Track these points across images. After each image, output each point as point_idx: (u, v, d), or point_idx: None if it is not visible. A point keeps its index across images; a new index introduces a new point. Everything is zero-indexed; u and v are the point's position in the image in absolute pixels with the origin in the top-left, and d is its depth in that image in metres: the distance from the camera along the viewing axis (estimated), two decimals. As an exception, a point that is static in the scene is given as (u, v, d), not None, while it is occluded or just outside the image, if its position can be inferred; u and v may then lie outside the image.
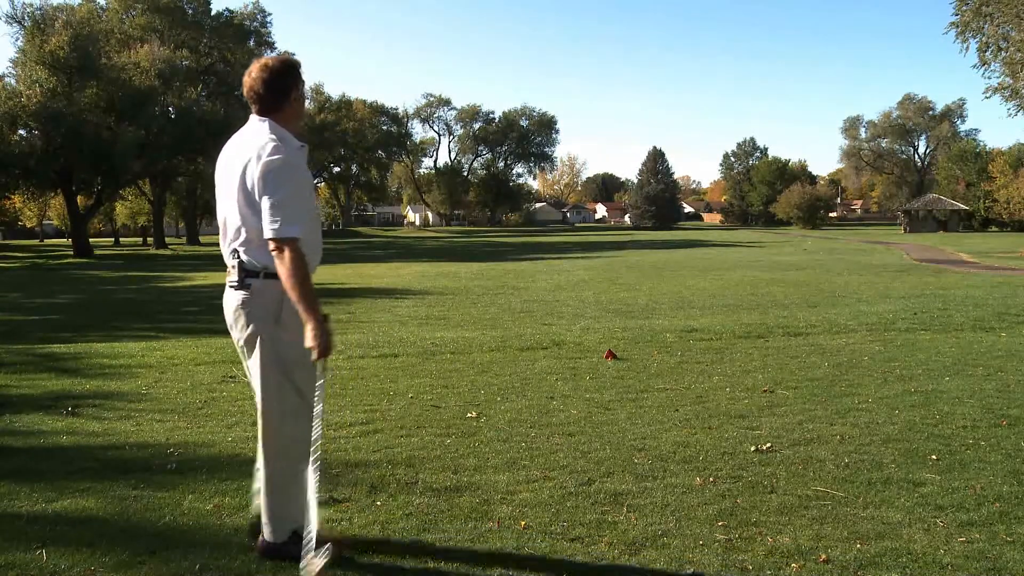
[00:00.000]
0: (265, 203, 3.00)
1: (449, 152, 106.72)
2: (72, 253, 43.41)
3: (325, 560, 2.95)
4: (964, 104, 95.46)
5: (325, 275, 22.67)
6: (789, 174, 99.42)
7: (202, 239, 58.80)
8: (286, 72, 3.21)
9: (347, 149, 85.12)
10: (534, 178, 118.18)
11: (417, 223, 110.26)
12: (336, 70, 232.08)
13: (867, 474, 4.24)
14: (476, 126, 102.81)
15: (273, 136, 3.09)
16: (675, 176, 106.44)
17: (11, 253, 47.50)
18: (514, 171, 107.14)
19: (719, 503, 3.84)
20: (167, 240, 58.04)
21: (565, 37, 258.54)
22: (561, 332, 9.97)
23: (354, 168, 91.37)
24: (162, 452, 4.72)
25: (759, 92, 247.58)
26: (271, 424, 3.19)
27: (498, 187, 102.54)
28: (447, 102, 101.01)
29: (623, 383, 6.69)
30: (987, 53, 31.42)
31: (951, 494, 3.93)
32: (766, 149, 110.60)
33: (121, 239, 69.15)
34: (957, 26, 31.98)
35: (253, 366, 3.20)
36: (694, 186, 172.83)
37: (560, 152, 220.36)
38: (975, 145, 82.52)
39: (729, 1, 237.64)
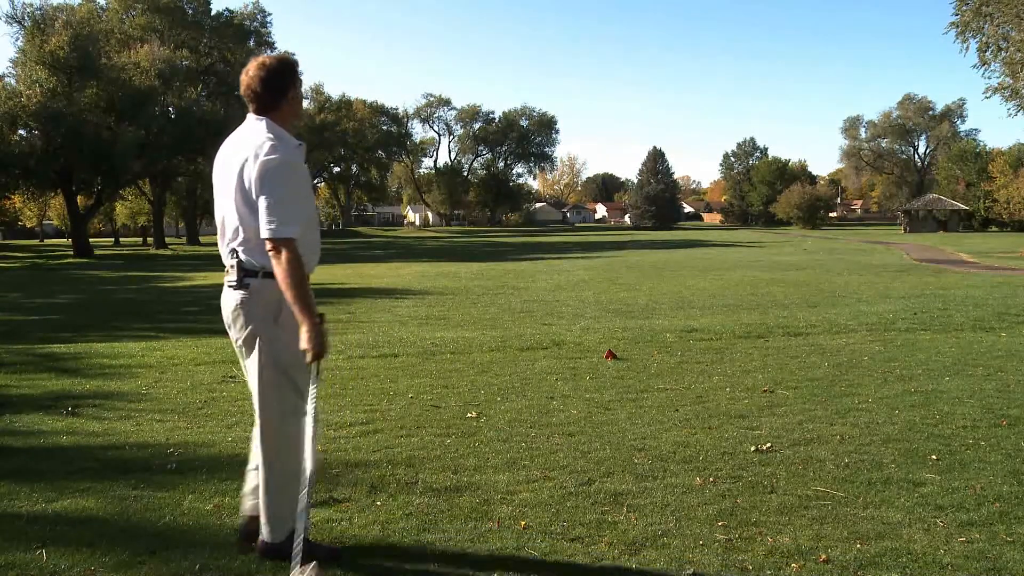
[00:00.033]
0: (262, 203, 2.99)
1: (449, 152, 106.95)
2: (72, 253, 43.41)
3: None
4: (964, 104, 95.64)
5: (325, 275, 22.68)
6: (789, 174, 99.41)
7: (202, 239, 58.78)
8: (283, 71, 3.20)
9: (347, 149, 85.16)
10: (534, 178, 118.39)
11: (417, 223, 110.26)
12: (336, 70, 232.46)
13: (867, 474, 4.24)
14: (476, 126, 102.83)
15: (271, 135, 3.08)
16: (675, 176, 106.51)
17: (11, 253, 47.50)
18: (514, 171, 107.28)
19: (719, 503, 3.84)
20: (167, 240, 58.05)
21: (565, 37, 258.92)
22: (561, 332, 9.97)
23: (354, 168, 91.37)
24: (162, 452, 4.72)
25: (759, 92, 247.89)
26: (271, 424, 3.19)
27: (498, 187, 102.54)
28: (447, 102, 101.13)
29: (623, 383, 6.69)
30: (987, 53, 31.42)
31: (951, 494, 3.93)
32: (766, 149, 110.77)
33: (121, 239, 69.16)
34: (957, 26, 31.99)
35: (252, 366, 3.19)
36: (694, 186, 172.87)
37: (560, 152, 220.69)
38: (975, 145, 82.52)
39: (729, 1, 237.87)
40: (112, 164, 39.15)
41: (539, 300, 15.58)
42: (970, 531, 3.49)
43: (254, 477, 3.34)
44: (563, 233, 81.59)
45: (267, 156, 3.00)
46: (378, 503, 3.87)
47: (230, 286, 3.15)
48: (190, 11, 56.69)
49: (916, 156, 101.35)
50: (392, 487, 4.09)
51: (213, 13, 58.25)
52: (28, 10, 41.03)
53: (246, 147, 3.08)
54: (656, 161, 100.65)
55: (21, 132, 41.15)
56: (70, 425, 5.38)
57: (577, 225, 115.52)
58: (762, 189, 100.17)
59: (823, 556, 3.24)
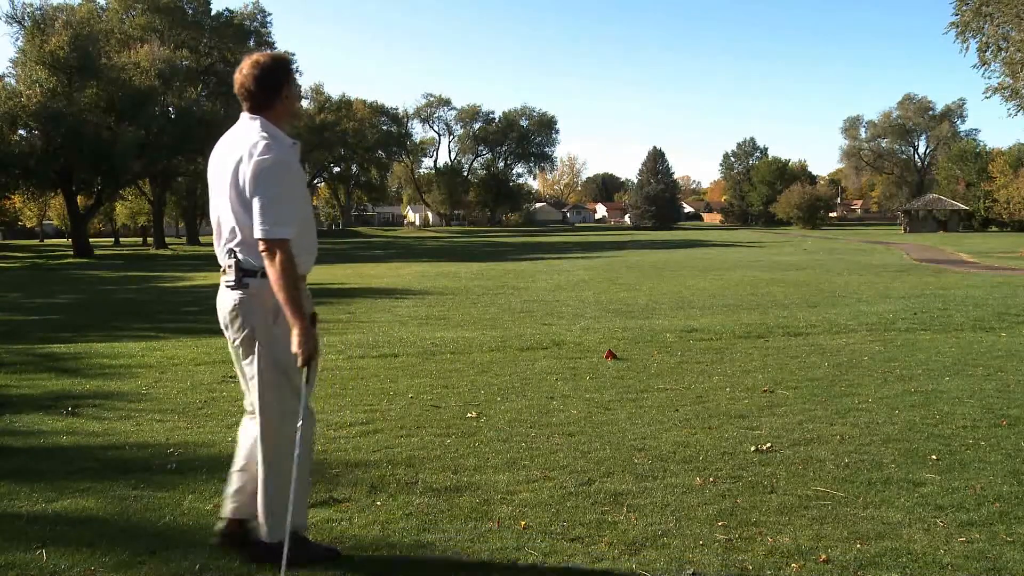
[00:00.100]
0: (256, 203, 2.96)
1: (449, 152, 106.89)
2: (72, 253, 43.42)
3: None
4: (964, 104, 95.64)
5: (325, 275, 22.69)
6: (789, 174, 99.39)
7: (202, 239, 58.80)
8: (277, 69, 3.17)
9: (347, 149, 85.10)
10: (534, 178, 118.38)
11: (417, 223, 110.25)
12: (336, 70, 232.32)
13: (867, 474, 4.24)
14: (476, 126, 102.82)
15: (265, 134, 3.05)
16: (675, 176, 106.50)
17: (11, 253, 47.49)
18: (514, 171, 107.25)
19: (719, 503, 3.84)
20: (167, 240, 58.07)
21: (565, 37, 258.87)
22: (561, 332, 9.97)
23: (354, 168, 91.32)
24: (162, 452, 4.72)
25: (759, 92, 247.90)
26: (271, 424, 3.17)
27: (498, 187, 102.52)
28: (447, 102, 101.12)
29: (623, 383, 6.69)
30: (987, 53, 31.42)
31: (951, 494, 3.92)
32: (766, 149, 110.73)
33: (121, 239, 69.16)
34: (957, 26, 31.99)
35: (250, 367, 3.18)
36: (694, 186, 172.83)
37: (560, 152, 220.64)
38: (975, 145, 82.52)
39: (729, 1, 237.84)
40: (112, 164, 39.16)
41: (539, 300, 15.58)
42: (970, 531, 3.49)
43: (239, 478, 3.31)
44: (563, 233, 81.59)
45: (261, 156, 2.97)
46: (378, 503, 3.87)
47: (228, 286, 3.13)
48: (190, 11, 56.70)
49: (916, 156, 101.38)
50: (392, 487, 4.09)
51: (213, 13, 58.27)
52: (28, 10, 41.11)
53: (240, 146, 3.05)
54: (656, 161, 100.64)
55: (21, 132, 41.19)
56: (70, 425, 5.38)
57: (577, 225, 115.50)
58: (762, 189, 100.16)
59: (823, 556, 3.24)
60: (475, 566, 3.20)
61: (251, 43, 58.55)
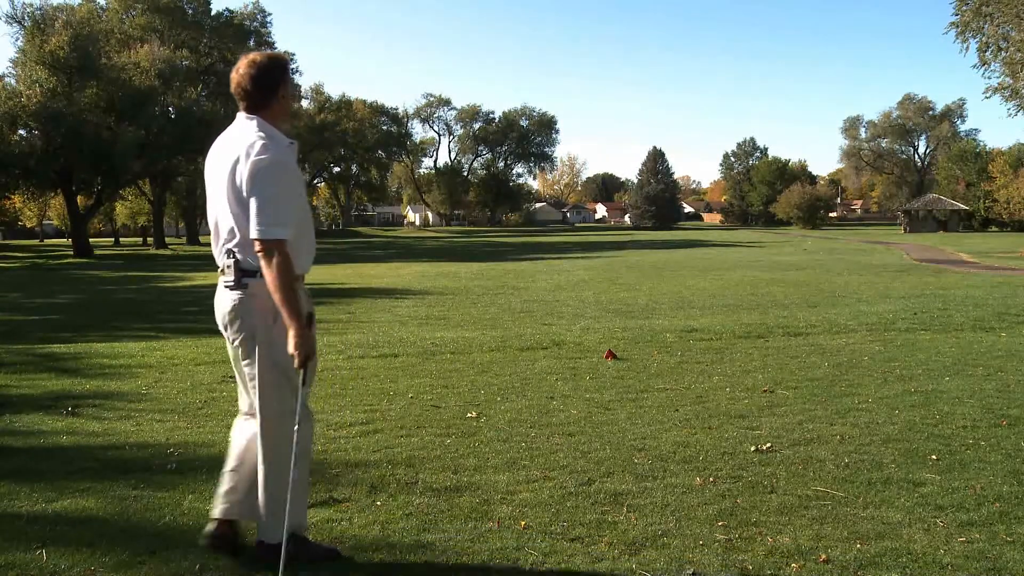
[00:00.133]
0: (252, 203, 2.94)
1: (449, 152, 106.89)
2: (72, 253, 43.41)
3: None
4: (964, 104, 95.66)
5: (325, 275, 22.69)
6: (789, 174, 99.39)
7: (202, 239, 58.76)
8: (274, 68, 3.16)
9: (347, 149, 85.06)
10: (534, 178, 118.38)
11: (417, 223, 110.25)
12: (336, 70, 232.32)
13: (867, 474, 4.24)
14: (476, 126, 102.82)
15: (261, 134, 3.04)
16: (675, 176, 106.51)
17: (11, 253, 47.50)
18: (514, 171, 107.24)
19: (719, 503, 3.84)
20: (167, 240, 58.08)
21: (565, 37, 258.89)
22: (561, 332, 9.97)
23: (354, 168, 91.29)
24: (162, 452, 4.72)
25: (759, 92, 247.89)
26: (271, 424, 3.17)
27: (498, 187, 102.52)
28: (447, 102, 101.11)
29: (623, 383, 6.69)
30: (987, 53, 31.43)
31: (951, 494, 3.92)
32: (766, 149, 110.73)
33: (121, 239, 69.15)
34: (957, 26, 32.00)
35: (249, 368, 3.17)
36: (694, 186, 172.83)
37: (560, 152, 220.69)
38: (975, 145, 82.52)
39: (729, 1, 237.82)
40: (112, 164, 39.16)
41: (539, 300, 15.58)
42: (970, 531, 3.49)
43: (230, 478, 3.29)
44: (563, 233, 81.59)
45: (258, 156, 2.96)
46: (378, 503, 3.87)
47: (227, 286, 3.12)
48: (190, 11, 56.72)
49: (916, 156, 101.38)
50: (392, 487, 4.09)
51: (213, 13, 58.31)
52: (28, 10, 41.10)
53: (237, 146, 3.04)
54: (656, 161, 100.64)
55: (21, 132, 41.18)
56: (70, 425, 5.38)
57: (577, 225, 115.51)
58: (762, 189, 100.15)
59: (823, 556, 3.24)
60: (475, 566, 3.20)
61: (251, 43, 58.55)
